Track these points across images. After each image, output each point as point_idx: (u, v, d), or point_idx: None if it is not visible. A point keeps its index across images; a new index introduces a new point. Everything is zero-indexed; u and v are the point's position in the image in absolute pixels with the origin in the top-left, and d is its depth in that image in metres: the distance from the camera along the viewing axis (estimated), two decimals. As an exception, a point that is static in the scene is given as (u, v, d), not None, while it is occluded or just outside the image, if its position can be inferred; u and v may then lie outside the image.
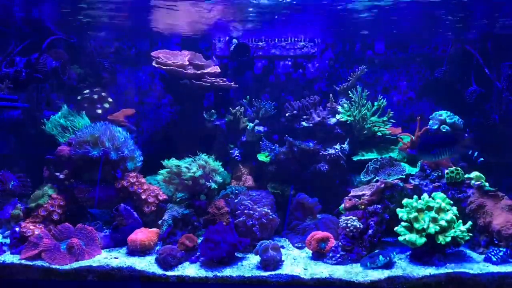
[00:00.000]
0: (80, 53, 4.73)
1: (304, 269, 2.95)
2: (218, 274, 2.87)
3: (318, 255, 3.15)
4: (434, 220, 2.98)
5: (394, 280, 2.79)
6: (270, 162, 4.06)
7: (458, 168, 3.52)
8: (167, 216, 3.46)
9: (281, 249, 3.10)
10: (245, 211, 3.42)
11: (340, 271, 2.89)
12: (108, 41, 4.90)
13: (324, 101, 4.46)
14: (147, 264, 3.02)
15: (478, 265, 2.92)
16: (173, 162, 3.70)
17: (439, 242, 2.93)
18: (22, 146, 4.28)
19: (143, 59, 4.92)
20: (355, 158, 4.04)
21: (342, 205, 3.54)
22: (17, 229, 3.29)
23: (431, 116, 4.23)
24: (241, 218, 3.40)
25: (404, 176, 3.62)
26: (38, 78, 3.99)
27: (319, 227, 3.50)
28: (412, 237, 2.95)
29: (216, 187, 3.68)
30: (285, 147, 4.01)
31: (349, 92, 4.21)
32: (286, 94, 4.84)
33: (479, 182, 3.32)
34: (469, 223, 3.04)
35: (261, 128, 4.32)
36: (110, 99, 4.46)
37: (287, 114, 4.35)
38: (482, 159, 3.66)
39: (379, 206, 3.27)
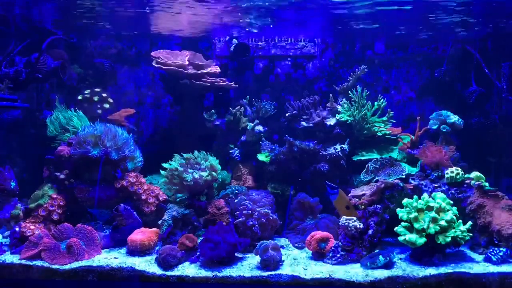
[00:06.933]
0: (80, 53, 4.73)
1: (304, 269, 2.95)
2: (218, 274, 2.87)
3: (318, 255, 3.15)
4: (434, 220, 2.97)
5: (394, 280, 2.79)
6: (270, 162, 4.06)
7: (458, 168, 3.52)
8: (167, 216, 3.45)
9: (281, 249, 3.10)
10: (245, 211, 3.42)
11: (340, 271, 2.89)
12: (108, 41, 4.90)
13: (324, 101, 4.45)
14: (147, 264, 3.02)
15: (478, 265, 2.92)
16: (175, 164, 3.70)
17: (439, 242, 2.93)
18: (22, 146, 4.28)
19: (143, 59, 4.92)
20: (355, 158, 4.03)
21: (342, 205, 3.54)
22: (17, 229, 3.28)
23: (431, 116, 4.23)
24: (241, 218, 3.39)
25: (404, 176, 3.61)
26: (38, 78, 3.99)
27: (319, 227, 3.50)
28: (412, 237, 2.95)
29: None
30: (285, 147, 4.01)
31: (349, 92, 4.21)
32: (286, 94, 4.84)
33: (479, 182, 3.32)
34: (469, 223, 3.03)
35: (261, 128, 4.31)
36: (110, 99, 4.45)
37: (287, 114, 4.34)
38: None
39: (379, 206, 3.27)
